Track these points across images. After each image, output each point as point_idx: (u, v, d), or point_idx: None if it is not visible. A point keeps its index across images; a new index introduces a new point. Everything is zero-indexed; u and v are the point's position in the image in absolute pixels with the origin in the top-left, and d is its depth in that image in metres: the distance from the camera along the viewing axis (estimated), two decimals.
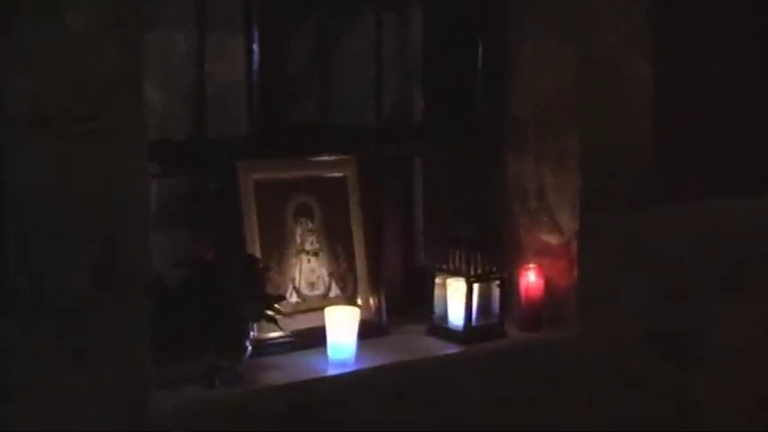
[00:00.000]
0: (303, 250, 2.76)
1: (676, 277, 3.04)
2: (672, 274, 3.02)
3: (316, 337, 2.65)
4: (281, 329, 2.54)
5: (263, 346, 2.58)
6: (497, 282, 2.83)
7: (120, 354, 2.22)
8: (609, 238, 2.91)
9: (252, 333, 2.45)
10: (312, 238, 2.77)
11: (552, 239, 2.94)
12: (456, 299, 2.82)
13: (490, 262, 2.81)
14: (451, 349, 2.76)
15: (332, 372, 2.56)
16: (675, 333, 3.06)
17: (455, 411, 2.70)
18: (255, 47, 2.75)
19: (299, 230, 2.76)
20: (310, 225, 2.78)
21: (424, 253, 3.09)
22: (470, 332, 2.79)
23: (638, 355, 3.00)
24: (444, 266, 2.83)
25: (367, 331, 2.70)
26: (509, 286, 2.89)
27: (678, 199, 3.03)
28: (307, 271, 2.76)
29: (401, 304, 2.98)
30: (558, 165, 2.91)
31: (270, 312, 2.48)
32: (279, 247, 2.72)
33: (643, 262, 2.97)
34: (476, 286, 2.79)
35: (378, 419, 2.57)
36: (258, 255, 2.63)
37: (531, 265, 2.91)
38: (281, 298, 2.60)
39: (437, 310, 2.85)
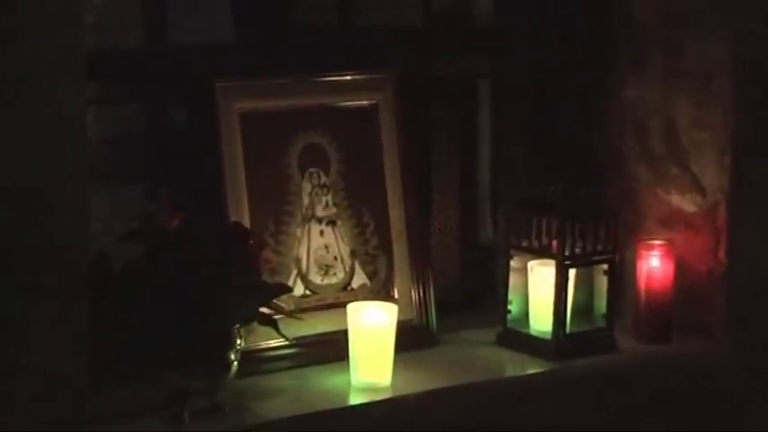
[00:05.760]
0: (313, 217, 2.77)
1: None
2: None
3: (332, 348, 2.67)
4: (281, 336, 2.55)
5: (254, 361, 2.59)
6: (604, 266, 2.83)
7: (43, 373, 2.20)
8: None
9: (239, 341, 2.46)
10: (327, 199, 2.78)
11: (688, 203, 2.93)
12: (542, 292, 2.82)
13: (593, 236, 2.80)
14: (534, 368, 2.78)
15: (356, 400, 2.58)
16: None
17: None
18: None
19: (307, 187, 2.77)
20: (324, 179, 2.78)
21: (492, 222, 3.11)
22: (563, 342, 2.79)
23: None
24: (524, 243, 2.83)
25: (408, 339, 2.71)
26: (622, 273, 2.89)
27: None
28: (319, 248, 2.76)
29: (459, 299, 3.01)
30: (700, 89, 2.89)
31: (267, 310, 2.49)
32: (276, 211, 2.73)
33: None
34: (572, 273, 2.79)
35: None
36: (247, 223, 2.63)
37: (656, 242, 2.91)
38: (286, 289, 2.60)
39: (513, 308, 2.87)
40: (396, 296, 2.81)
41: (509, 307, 2.85)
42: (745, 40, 2.84)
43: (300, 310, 2.67)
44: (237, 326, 2.44)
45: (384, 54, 2.88)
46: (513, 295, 2.86)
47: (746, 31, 2.83)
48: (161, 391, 2.41)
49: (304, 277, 2.74)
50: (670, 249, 2.88)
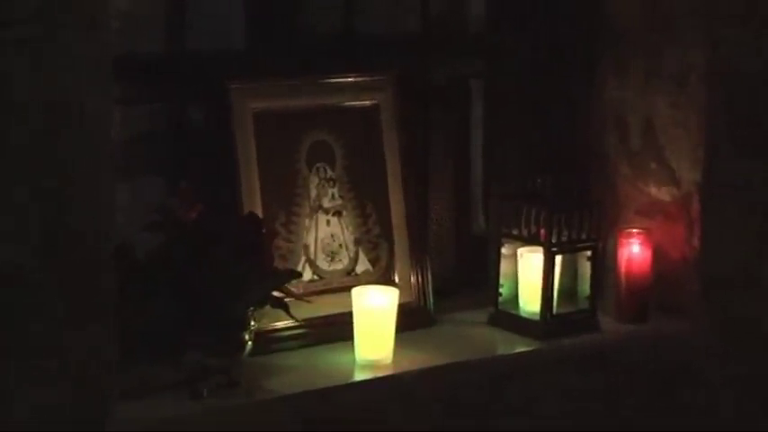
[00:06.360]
0: (320, 208, 2.82)
1: None
2: None
3: (338, 329, 2.72)
4: (291, 318, 2.58)
5: (266, 341, 2.64)
6: (588, 253, 2.88)
7: (72, 352, 2.23)
8: (746, 194, 2.95)
9: (252, 323, 2.50)
10: (332, 192, 2.83)
11: (664, 194, 2.98)
12: (530, 276, 2.87)
13: (578, 226, 2.84)
14: (523, 346, 2.84)
15: (360, 376, 2.63)
16: None
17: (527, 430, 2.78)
18: None
19: (314, 180, 2.81)
20: (330, 173, 2.83)
21: (484, 213, 3.15)
22: (550, 323, 2.85)
23: None
24: (514, 231, 2.88)
25: (408, 320, 2.77)
26: (604, 259, 2.94)
27: None
28: (325, 237, 2.81)
29: (454, 283, 3.06)
30: (676, 90, 2.92)
31: (278, 294, 2.53)
32: (286, 203, 2.77)
33: None
34: (558, 259, 2.84)
35: None
36: (260, 214, 2.67)
37: (635, 230, 2.95)
38: (296, 274, 2.65)
39: (504, 291, 2.93)
40: (396, 281, 2.85)
41: (500, 290, 2.90)
42: (717, 46, 2.86)
43: (309, 294, 2.71)
44: (251, 309, 2.47)
45: (385, 57, 2.91)
46: (503, 280, 2.91)
47: (719, 37, 2.85)
48: (182, 368, 2.45)
49: (312, 263, 2.78)
50: (648, 238, 2.92)
